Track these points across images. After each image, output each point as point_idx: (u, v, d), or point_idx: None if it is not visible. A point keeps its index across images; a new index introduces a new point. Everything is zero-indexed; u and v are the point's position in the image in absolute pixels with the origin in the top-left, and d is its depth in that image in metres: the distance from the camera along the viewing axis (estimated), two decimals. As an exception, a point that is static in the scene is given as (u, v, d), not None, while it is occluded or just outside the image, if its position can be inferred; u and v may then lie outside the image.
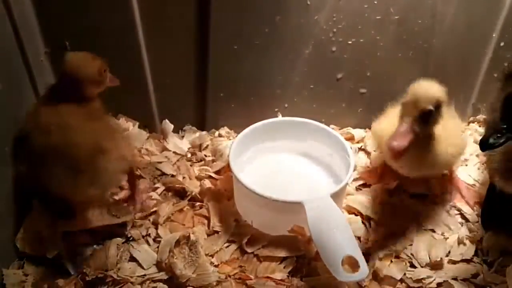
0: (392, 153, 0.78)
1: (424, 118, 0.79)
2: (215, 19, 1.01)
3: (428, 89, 0.81)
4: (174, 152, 1.10)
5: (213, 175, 1.03)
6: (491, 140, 0.69)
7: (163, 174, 1.04)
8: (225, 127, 1.16)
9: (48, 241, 0.88)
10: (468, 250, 0.89)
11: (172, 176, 1.03)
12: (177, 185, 1.00)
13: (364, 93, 1.11)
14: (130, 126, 1.14)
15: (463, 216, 0.96)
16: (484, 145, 0.69)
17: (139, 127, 1.15)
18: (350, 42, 1.04)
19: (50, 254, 0.86)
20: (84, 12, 0.99)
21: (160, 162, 1.07)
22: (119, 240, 0.90)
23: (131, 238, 0.91)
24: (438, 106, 0.80)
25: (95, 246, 0.89)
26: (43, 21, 1.00)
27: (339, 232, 0.80)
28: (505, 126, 0.69)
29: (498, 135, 0.69)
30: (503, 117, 0.71)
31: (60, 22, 1.00)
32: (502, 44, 1.07)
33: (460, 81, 1.12)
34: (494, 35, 1.06)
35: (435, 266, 0.87)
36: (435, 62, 1.07)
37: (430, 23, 1.03)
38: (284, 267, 0.86)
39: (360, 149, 1.12)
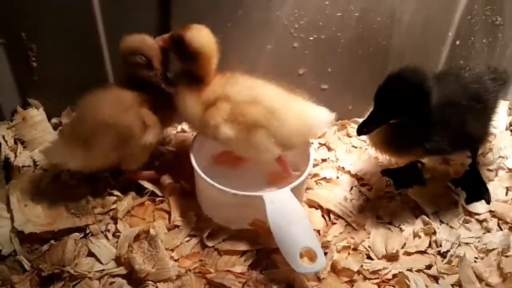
0: None
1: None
2: (176, 13, 1.00)
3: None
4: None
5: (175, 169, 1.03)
6: (364, 128, 0.83)
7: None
8: (188, 122, 1.15)
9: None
10: (423, 242, 0.92)
11: (133, 170, 1.02)
12: (137, 179, 0.99)
13: (325, 89, 1.12)
14: (90, 120, 1.12)
15: (419, 208, 0.99)
16: (359, 131, 0.84)
17: (99, 121, 1.13)
18: (311, 38, 1.05)
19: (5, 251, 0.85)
20: (40, 3, 0.97)
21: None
22: (77, 235, 0.89)
23: (89, 233, 0.90)
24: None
25: (52, 241, 0.88)
26: (-2, 12, 0.98)
27: (298, 225, 0.81)
28: (376, 114, 0.82)
29: (371, 122, 0.82)
30: (376, 107, 0.82)
31: (16, 12, 0.98)
32: (457, 42, 1.10)
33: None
34: (450, 34, 1.09)
35: (391, 258, 0.89)
36: (393, 59, 1.09)
37: (389, 21, 1.05)
38: (244, 261, 0.87)
39: (321, 144, 1.13)
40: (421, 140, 0.87)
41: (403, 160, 1.03)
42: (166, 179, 0.98)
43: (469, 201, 0.99)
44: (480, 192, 1.01)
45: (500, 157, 1.10)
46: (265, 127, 0.86)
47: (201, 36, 0.87)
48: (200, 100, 0.89)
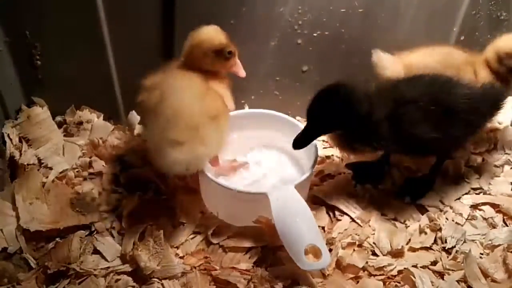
0: None
1: None
2: (181, 10, 1.00)
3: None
4: (140, 144, 1.09)
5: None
6: (299, 142, 0.85)
7: (129, 166, 1.03)
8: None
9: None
10: (428, 238, 0.92)
11: (138, 168, 1.02)
12: (142, 177, 0.99)
13: (329, 85, 1.12)
14: (94, 118, 1.13)
15: (424, 205, 0.98)
16: (294, 146, 0.85)
17: (103, 118, 1.14)
18: (315, 35, 1.05)
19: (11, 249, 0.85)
20: (44, 1, 0.97)
21: (126, 154, 1.06)
22: (82, 232, 0.89)
23: (94, 231, 0.90)
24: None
25: (57, 239, 0.88)
26: (2, 10, 0.98)
27: (303, 222, 0.81)
28: (308, 130, 0.85)
29: (304, 138, 0.85)
30: (307, 122, 0.85)
31: (20, 10, 0.98)
32: (462, 38, 1.10)
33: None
34: (454, 29, 1.08)
35: (396, 254, 0.89)
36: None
37: (394, 17, 1.05)
38: (249, 258, 0.87)
39: (325, 141, 1.13)
40: (369, 141, 0.88)
41: (363, 158, 1.02)
42: (172, 176, 0.98)
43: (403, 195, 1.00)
44: (420, 193, 1.01)
45: (505, 153, 1.10)
46: None
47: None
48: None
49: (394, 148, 0.90)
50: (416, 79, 0.90)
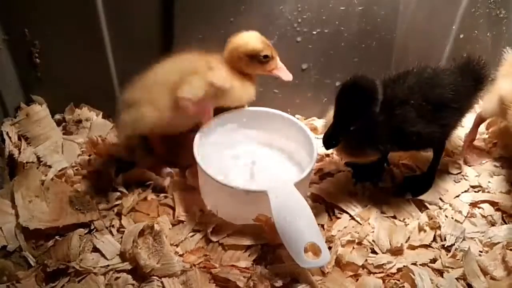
0: None
1: None
2: (180, 9, 1.00)
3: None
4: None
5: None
6: (331, 142, 0.83)
7: (128, 164, 1.03)
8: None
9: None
10: (427, 236, 0.92)
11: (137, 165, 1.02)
12: (141, 175, 0.99)
13: (329, 83, 1.12)
14: (93, 116, 1.13)
15: (423, 202, 0.99)
16: (327, 145, 0.84)
17: (103, 117, 1.14)
18: (314, 33, 1.04)
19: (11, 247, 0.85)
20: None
21: (125, 152, 1.06)
22: (82, 230, 0.89)
23: (94, 229, 0.90)
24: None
25: (56, 237, 0.88)
26: (2, 8, 0.97)
27: (302, 220, 0.81)
28: (337, 126, 0.83)
29: (336, 133, 0.83)
30: (337, 117, 0.83)
31: (18, 8, 0.98)
32: (461, 35, 1.10)
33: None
34: (453, 27, 1.08)
35: (396, 252, 0.89)
36: (397, 53, 1.09)
37: (393, 15, 1.05)
38: (248, 255, 0.87)
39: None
40: (375, 143, 0.87)
41: (365, 160, 1.01)
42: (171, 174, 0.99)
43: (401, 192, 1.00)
44: (421, 189, 1.01)
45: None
46: None
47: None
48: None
49: (393, 148, 0.90)
50: (402, 77, 0.89)
